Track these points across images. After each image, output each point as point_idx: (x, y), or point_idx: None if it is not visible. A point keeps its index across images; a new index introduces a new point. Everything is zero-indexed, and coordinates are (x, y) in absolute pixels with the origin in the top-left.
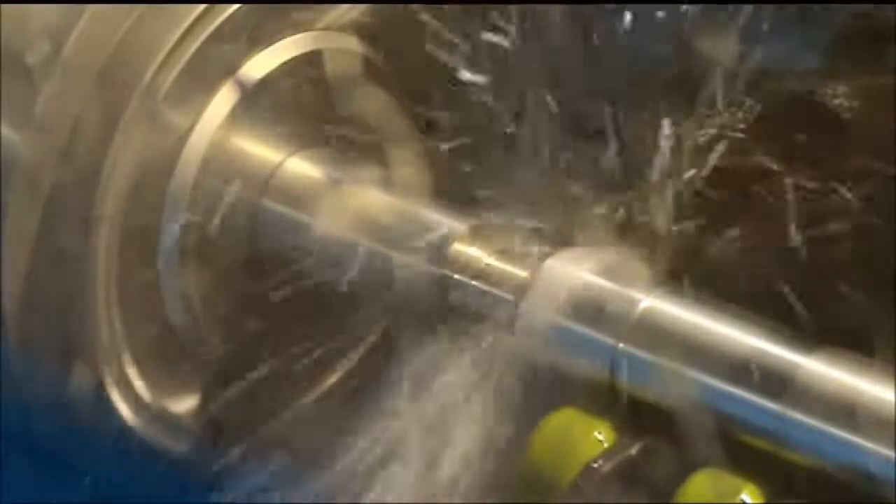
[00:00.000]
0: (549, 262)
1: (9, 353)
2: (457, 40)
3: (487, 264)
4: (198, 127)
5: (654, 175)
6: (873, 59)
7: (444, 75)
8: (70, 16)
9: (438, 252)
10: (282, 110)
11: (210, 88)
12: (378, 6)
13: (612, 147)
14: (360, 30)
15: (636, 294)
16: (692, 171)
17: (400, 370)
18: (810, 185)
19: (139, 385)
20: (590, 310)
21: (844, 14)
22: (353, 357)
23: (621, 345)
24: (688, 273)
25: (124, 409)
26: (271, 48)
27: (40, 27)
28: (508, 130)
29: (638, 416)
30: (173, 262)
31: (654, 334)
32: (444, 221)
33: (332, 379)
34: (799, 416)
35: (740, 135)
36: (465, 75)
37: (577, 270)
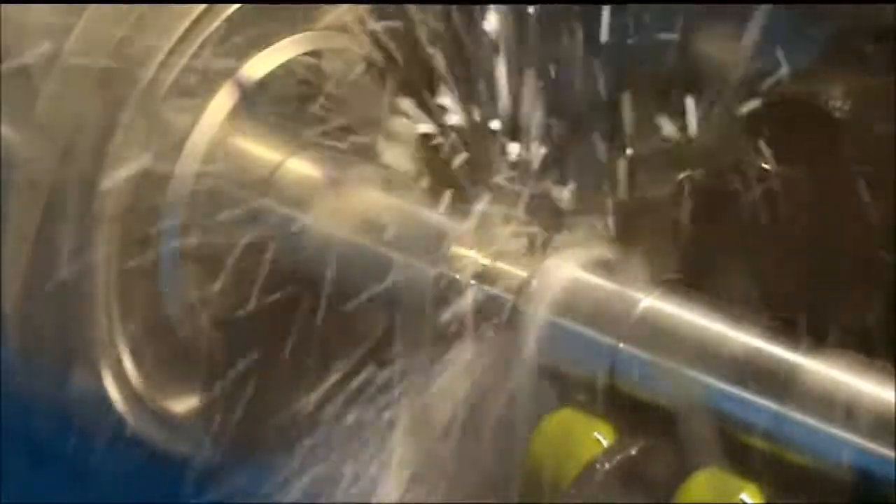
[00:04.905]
0: (549, 262)
1: (9, 353)
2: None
3: (487, 264)
4: (198, 127)
5: (652, 175)
6: (871, 60)
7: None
8: (70, 16)
9: (438, 252)
10: (282, 110)
11: (210, 88)
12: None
13: (611, 146)
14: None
15: (636, 294)
16: (689, 172)
17: (400, 370)
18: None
19: (139, 384)
20: (590, 310)
21: (841, 15)
22: (353, 357)
23: (621, 345)
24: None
25: (124, 409)
26: (271, 48)
27: (40, 27)
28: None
29: (638, 416)
30: (173, 261)
31: (654, 334)
32: (443, 222)
33: (332, 379)
34: (799, 416)
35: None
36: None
37: (576, 270)
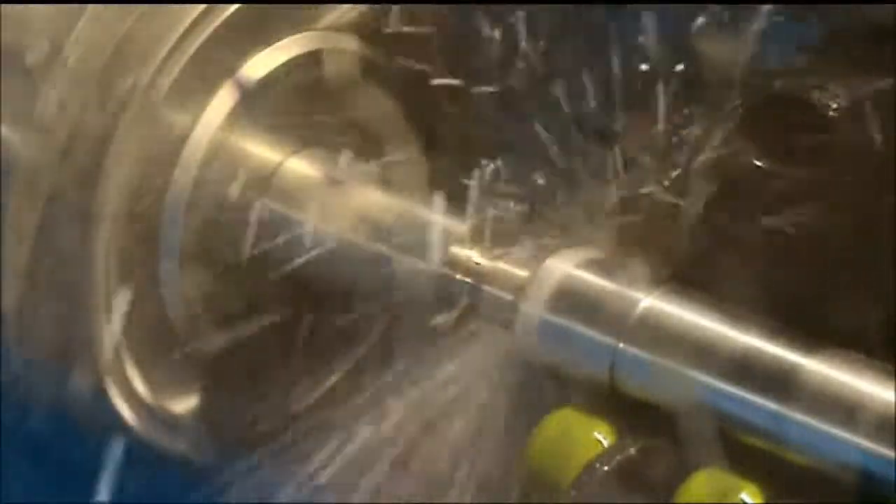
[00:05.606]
0: (549, 261)
1: (9, 353)
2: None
3: (487, 264)
4: (198, 127)
5: (649, 174)
6: (866, 59)
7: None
8: (70, 16)
9: (438, 252)
10: (282, 110)
11: (210, 88)
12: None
13: (610, 146)
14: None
15: (636, 294)
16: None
17: (400, 370)
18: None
19: (139, 385)
20: (590, 309)
21: (838, 14)
22: (353, 357)
23: (621, 345)
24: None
25: (124, 409)
26: (271, 48)
27: (40, 27)
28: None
29: (638, 416)
30: (173, 261)
31: (654, 334)
32: (443, 221)
33: (332, 379)
34: (799, 416)
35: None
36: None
37: (576, 270)
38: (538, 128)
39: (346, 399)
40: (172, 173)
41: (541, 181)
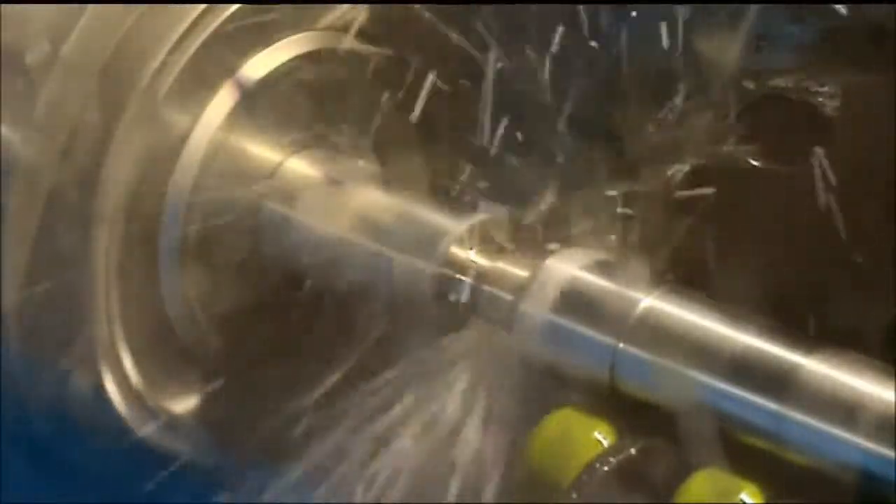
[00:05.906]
0: (549, 261)
1: (9, 353)
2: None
3: (486, 264)
4: (198, 127)
5: (647, 172)
6: (866, 59)
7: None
8: (70, 16)
9: (437, 252)
10: (282, 110)
11: (210, 88)
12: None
13: (608, 145)
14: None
15: (636, 294)
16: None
17: (399, 370)
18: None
19: (139, 385)
20: (590, 309)
21: (834, 12)
22: (352, 357)
23: (621, 345)
24: (682, 271)
25: (124, 409)
26: (271, 48)
27: (40, 27)
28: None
29: (638, 416)
30: (173, 261)
31: (654, 334)
32: (443, 222)
33: (332, 379)
34: (798, 416)
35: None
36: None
37: (577, 270)
38: (537, 127)
39: (345, 399)
40: (172, 173)
41: (540, 181)
